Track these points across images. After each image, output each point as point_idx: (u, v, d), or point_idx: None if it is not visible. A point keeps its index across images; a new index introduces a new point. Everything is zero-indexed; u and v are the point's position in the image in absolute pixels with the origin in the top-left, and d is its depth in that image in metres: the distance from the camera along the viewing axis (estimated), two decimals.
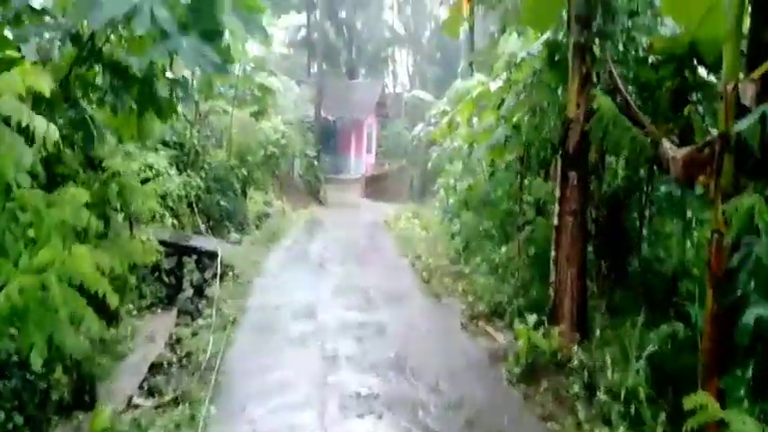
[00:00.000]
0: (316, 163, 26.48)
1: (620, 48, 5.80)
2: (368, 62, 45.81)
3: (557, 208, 6.14)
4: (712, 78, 5.57)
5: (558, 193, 6.11)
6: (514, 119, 8.06)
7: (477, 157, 9.88)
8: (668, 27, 5.93)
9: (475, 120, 11.53)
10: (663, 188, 6.30)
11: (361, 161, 33.92)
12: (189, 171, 13.11)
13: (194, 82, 13.55)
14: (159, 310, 9.30)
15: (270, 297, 8.24)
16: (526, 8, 6.16)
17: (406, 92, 45.59)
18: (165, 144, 13.01)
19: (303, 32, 40.34)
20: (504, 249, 8.67)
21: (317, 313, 7.55)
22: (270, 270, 9.79)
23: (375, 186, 32.08)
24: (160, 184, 10.76)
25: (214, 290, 8.47)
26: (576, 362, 5.31)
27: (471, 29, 23.20)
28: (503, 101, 9.50)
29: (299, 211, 20.12)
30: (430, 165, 26.64)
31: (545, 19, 6.21)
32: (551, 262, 6.20)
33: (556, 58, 7.10)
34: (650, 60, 5.86)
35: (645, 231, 6.63)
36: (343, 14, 40.55)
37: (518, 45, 8.96)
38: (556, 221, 6.15)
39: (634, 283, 7.07)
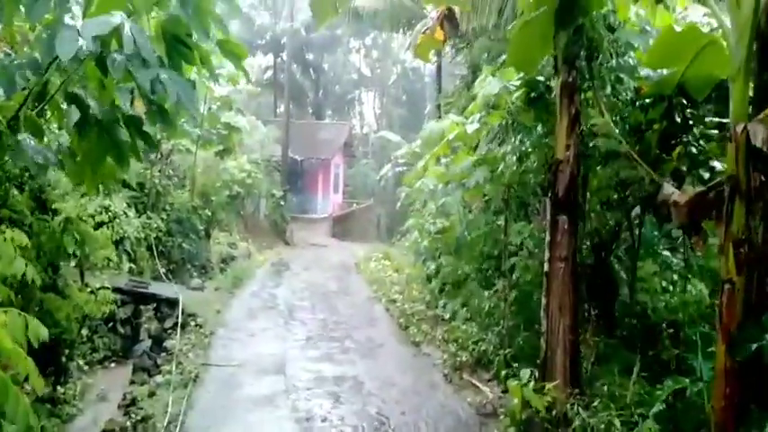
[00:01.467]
0: (282, 203, 25.92)
1: (608, 89, 5.63)
2: (335, 103, 46.08)
3: (546, 253, 5.81)
4: (705, 118, 5.43)
5: (547, 238, 5.80)
6: (493, 160, 7.84)
7: (454, 199, 9.57)
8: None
9: (444, 161, 11.40)
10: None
11: (329, 201, 33.60)
12: (149, 212, 12.41)
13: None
14: (113, 365, 8.53)
15: (235, 350, 7.58)
16: (512, 50, 5.97)
17: (372, 132, 45.88)
18: (125, 184, 12.34)
19: (269, 73, 40.43)
20: (485, 294, 8.29)
21: (287, 367, 6.93)
22: (235, 319, 9.12)
23: (342, 226, 31.71)
24: (117, 227, 10.08)
25: (174, 342, 7.74)
26: (576, 422, 4.88)
27: (439, 71, 23.52)
28: (479, 142, 9.37)
29: (265, 252, 19.45)
30: (399, 205, 26.69)
31: (532, 60, 6.03)
32: (542, 310, 5.84)
33: (533, 98, 6.95)
34: (637, 103, 5.71)
35: (630, 276, 6.37)
36: (310, 56, 40.81)
37: (494, 86, 8.84)
38: (546, 267, 5.82)
39: (622, 330, 6.79)
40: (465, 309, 8.70)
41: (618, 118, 5.75)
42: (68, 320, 6.52)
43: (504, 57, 8.84)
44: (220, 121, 15.77)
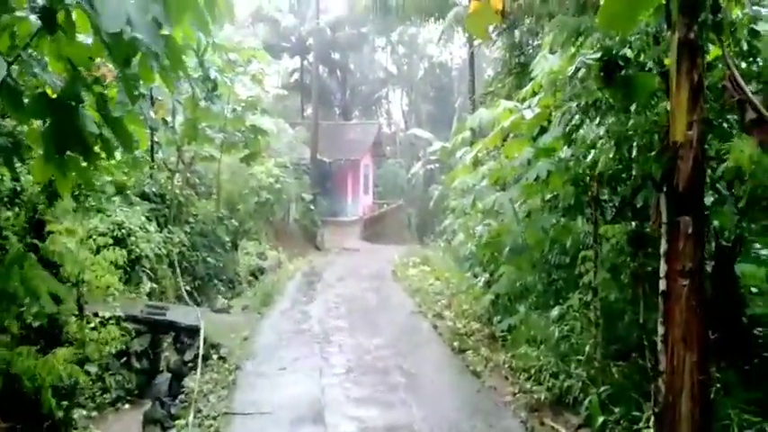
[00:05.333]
0: (312, 207, 24.90)
1: (744, 46, 4.20)
2: (362, 103, 45.01)
3: (663, 267, 4.41)
4: None
5: (663, 247, 4.40)
6: (564, 149, 6.46)
7: (510, 197, 8.20)
8: None
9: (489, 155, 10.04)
10: None
11: (359, 202, 32.59)
12: (170, 226, 11.39)
13: (176, 124, 12.01)
14: (127, 406, 7.44)
15: (264, 390, 6.36)
16: (606, 3, 4.59)
17: (401, 131, 44.60)
18: (144, 196, 11.36)
19: (296, 76, 39.58)
20: (556, 312, 6.87)
21: (327, 413, 5.66)
22: (263, 348, 7.90)
23: (374, 228, 30.64)
24: (133, 245, 9.05)
25: (193, 380, 6.58)
26: None
27: (471, 59, 22.08)
28: (542, 129, 7.96)
29: (296, 260, 18.37)
30: (432, 204, 25.30)
31: (631, 14, 4.63)
32: (660, 342, 4.44)
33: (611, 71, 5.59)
34: None
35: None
36: (336, 56, 39.80)
37: (554, 62, 7.43)
38: (663, 285, 4.42)
39: (752, 358, 5.33)
40: (529, 329, 7.29)
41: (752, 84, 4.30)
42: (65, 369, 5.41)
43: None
44: (245, 123, 14.70)
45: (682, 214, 4.30)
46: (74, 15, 3.03)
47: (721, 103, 4.36)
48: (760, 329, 5.82)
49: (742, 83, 4.02)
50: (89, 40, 3.35)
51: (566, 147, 7.41)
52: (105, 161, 9.35)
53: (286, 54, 37.59)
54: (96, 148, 3.58)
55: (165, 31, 3.18)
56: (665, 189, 4.38)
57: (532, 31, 14.89)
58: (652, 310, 5.99)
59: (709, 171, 4.91)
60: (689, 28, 4.18)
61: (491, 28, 18.52)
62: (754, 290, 6.16)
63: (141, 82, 3.52)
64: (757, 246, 6.07)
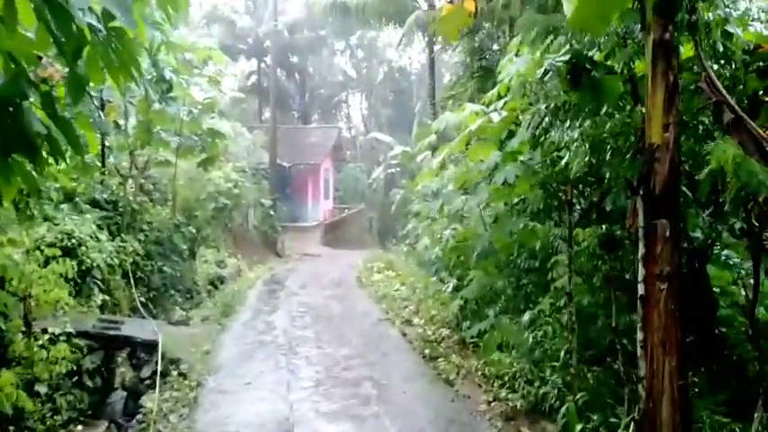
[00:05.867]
0: (272, 212, 24.38)
1: (720, 48, 4.19)
2: (321, 106, 44.67)
3: (641, 271, 4.36)
4: None
5: (641, 250, 4.35)
6: (530, 152, 6.42)
7: (478, 201, 8.12)
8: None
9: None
10: None
11: (319, 207, 32.20)
12: (123, 234, 10.82)
13: (128, 128, 11.46)
14: (80, 427, 6.92)
15: (228, 407, 6.02)
16: (578, 7, 4.52)
17: (361, 135, 44.43)
18: (94, 204, 10.76)
19: (253, 79, 38.86)
20: (527, 317, 6.79)
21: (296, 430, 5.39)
22: (226, 362, 7.53)
23: (335, 233, 30.37)
24: (84, 256, 8.51)
25: (152, 399, 6.18)
26: None
27: (432, 64, 22.16)
28: (510, 133, 7.92)
29: (256, 268, 17.88)
30: (393, 208, 25.18)
31: (604, 15, 4.57)
32: (639, 347, 4.38)
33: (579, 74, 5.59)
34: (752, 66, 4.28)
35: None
36: (294, 59, 39.32)
37: (521, 64, 7.39)
38: (641, 290, 4.36)
39: (726, 360, 5.36)
40: (501, 335, 7.20)
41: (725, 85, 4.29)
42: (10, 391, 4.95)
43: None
44: (202, 126, 14.18)
45: (659, 217, 4.27)
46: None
47: (697, 105, 4.33)
48: (723, 329, 5.90)
49: (718, 84, 4.01)
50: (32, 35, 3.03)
51: (533, 150, 7.39)
52: (53, 166, 8.79)
53: (243, 56, 36.91)
54: (43, 152, 3.25)
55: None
56: (641, 192, 4.34)
57: (493, 35, 15.02)
58: (624, 314, 6.00)
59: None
60: (664, 29, 4.15)
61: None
62: (716, 290, 6.25)
63: (91, 83, 3.19)
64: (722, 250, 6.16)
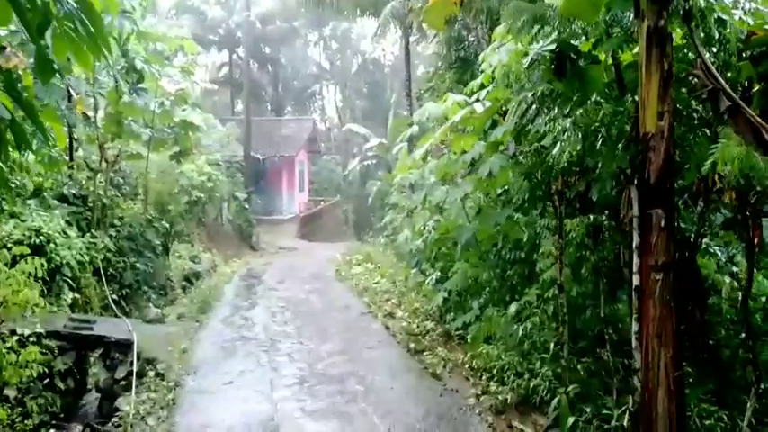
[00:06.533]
0: (246, 206, 23.96)
1: (715, 35, 4.13)
2: (294, 98, 44.13)
3: (635, 261, 4.30)
4: None
5: (635, 240, 4.29)
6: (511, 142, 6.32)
7: (464, 192, 8.01)
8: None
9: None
10: None
11: (294, 200, 31.88)
12: (94, 230, 10.42)
13: (98, 120, 11.02)
14: (52, 431, 6.63)
15: (209, 409, 5.80)
16: None
17: (335, 127, 44.06)
18: (63, 199, 10.33)
19: (225, 71, 38.09)
20: (512, 309, 6.72)
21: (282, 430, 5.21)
22: (205, 361, 7.28)
23: (311, 226, 30.10)
24: (52, 254, 8.16)
25: (128, 401, 5.92)
26: None
27: (407, 54, 21.97)
28: (494, 123, 7.82)
29: (231, 262, 17.55)
30: (370, 200, 25.00)
31: (595, 2, 4.49)
32: (633, 338, 4.33)
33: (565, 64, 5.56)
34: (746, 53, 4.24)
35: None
36: (267, 50, 38.67)
37: (503, 54, 7.28)
38: (636, 280, 4.31)
39: (717, 349, 5.37)
40: (488, 327, 7.11)
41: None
42: None
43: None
44: (174, 118, 13.74)
45: (653, 207, 4.20)
46: None
47: (691, 93, 4.27)
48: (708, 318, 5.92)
49: (714, 71, 3.95)
50: None
51: (518, 140, 7.31)
52: (18, 157, 8.39)
53: (214, 48, 36.15)
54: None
55: None
56: (635, 181, 4.27)
57: (469, 26, 14.89)
58: (611, 304, 5.98)
59: None
60: (659, 15, 4.07)
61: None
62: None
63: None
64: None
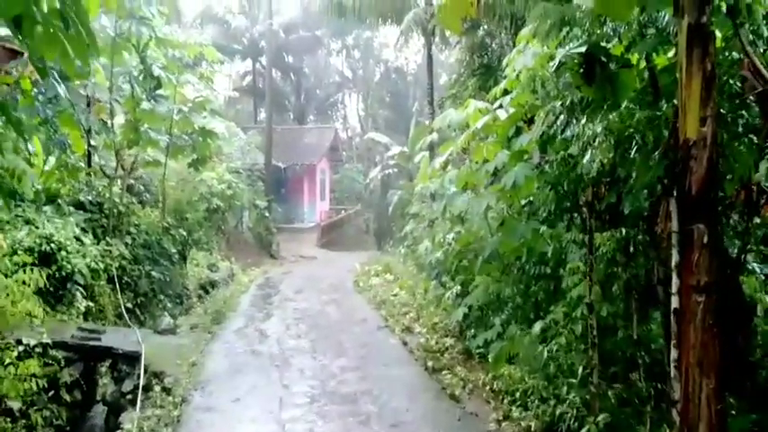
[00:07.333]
0: (267, 214, 23.88)
1: (761, 32, 3.75)
2: (317, 107, 44.21)
3: (675, 281, 3.91)
4: None
5: (675, 258, 3.90)
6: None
7: (487, 203, 7.66)
8: None
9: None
10: None
11: (315, 209, 31.75)
12: (109, 238, 10.32)
13: (113, 124, 10.96)
14: None
15: (214, 428, 5.53)
16: None
17: (357, 135, 43.99)
18: (79, 205, 10.27)
19: (248, 79, 38.34)
20: (536, 328, 6.32)
21: None
22: (214, 375, 7.03)
23: (331, 235, 29.91)
24: (63, 261, 8.04)
25: (131, 419, 5.69)
26: None
27: (430, 61, 21.69)
28: (518, 130, 7.46)
29: (250, 271, 17.39)
30: (391, 209, 24.69)
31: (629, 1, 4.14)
32: (671, 366, 3.93)
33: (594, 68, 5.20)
34: None
35: None
36: (289, 59, 38.86)
37: (532, 59, 6.94)
38: (675, 303, 3.91)
39: (759, 383, 4.91)
40: (510, 346, 6.72)
41: None
42: None
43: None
44: (193, 125, 13.66)
45: (695, 222, 3.80)
46: None
47: (739, 97, 3.88)
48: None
49: (765, 72, 3.56)
50: None
51: (544, 148, 6.95)
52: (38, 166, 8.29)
53: (238, 57, 36.42)
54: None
55: None
56: (674, 193, 3.88)
57: (493, 33, 14.58)
58: (644, 325, 5.55)
59: None
60: (701, 11, 3.70)
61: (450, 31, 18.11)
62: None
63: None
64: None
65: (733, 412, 4.32)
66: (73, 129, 9.75)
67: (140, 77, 10.93)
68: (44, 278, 5.90)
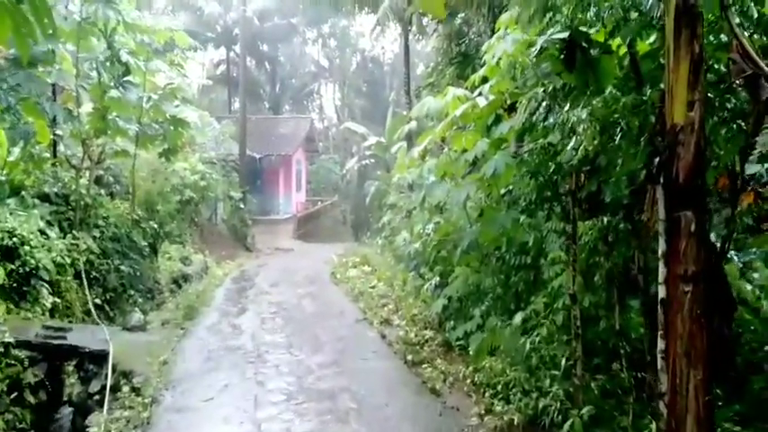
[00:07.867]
0: (242, 205, 23.45)
1: (750, 14, 3.65)
2: (292, 96, 43.64)
3: (662, 270, 3.80)
4: None
5: (662, 247, 3.79)
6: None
7: (467, 193, 7.51)
8: None
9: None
10: None
11: (291, 200, 31.37)
12: (76, 231, 9.92)
13: (80, 113, 10.51)
14: None
15: (185, 429, 5.30)
16: None
17: (333, 125, 43.58)
18: (44, 198, 9.84)
19: (222, 68, 37.55)
20: (517, 319, 6.21)
21: None
22: (186, 374, 6.76)
23: (308, 226, 29.64)
24: (27, 256, 7.68)
25: (98, 421, 5.42)
26: None
27: (406, 54, 21.44)
28: (497, 118, 7.32)
29: (224, 264, 17.03)
30: (368, 199, 24.48)
31: None
32: (658, 357, 3.83)
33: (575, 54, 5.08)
34: None
35: None
36: (264, 48, 38.18)
37: (508, 43, 6.78)
38: (662, 292, 3.81)
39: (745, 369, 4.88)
40: (491, 338, 6.61)
41: None
42: None
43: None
44: (164, 114, 13.20)
45: (682, 209, 3.70)
46: None
47: (726, 81, 3.78)
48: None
49: (754, 55, 3.45)
50: None
51: (523, 136, 6.84)
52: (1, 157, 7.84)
53: (211, 45, 35.60)
54: None
55: None
56: (661, 180, 3.77)
57: (470, 21, 14.40)
58: (626, 315, 5.49)
59: None
60: None
61: (427, 19, 17.86)
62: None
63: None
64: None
65: (720, 403, 4.26)
66: (37, 117, 9.31)
67: (108, 64, 10.50)
68: (6, 274, 5.55)
